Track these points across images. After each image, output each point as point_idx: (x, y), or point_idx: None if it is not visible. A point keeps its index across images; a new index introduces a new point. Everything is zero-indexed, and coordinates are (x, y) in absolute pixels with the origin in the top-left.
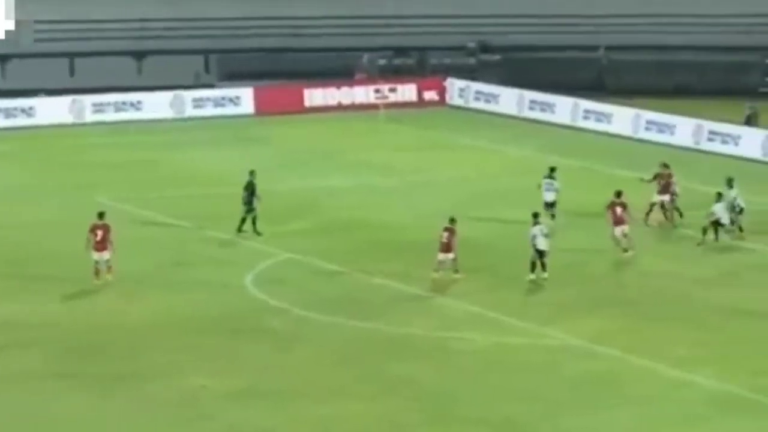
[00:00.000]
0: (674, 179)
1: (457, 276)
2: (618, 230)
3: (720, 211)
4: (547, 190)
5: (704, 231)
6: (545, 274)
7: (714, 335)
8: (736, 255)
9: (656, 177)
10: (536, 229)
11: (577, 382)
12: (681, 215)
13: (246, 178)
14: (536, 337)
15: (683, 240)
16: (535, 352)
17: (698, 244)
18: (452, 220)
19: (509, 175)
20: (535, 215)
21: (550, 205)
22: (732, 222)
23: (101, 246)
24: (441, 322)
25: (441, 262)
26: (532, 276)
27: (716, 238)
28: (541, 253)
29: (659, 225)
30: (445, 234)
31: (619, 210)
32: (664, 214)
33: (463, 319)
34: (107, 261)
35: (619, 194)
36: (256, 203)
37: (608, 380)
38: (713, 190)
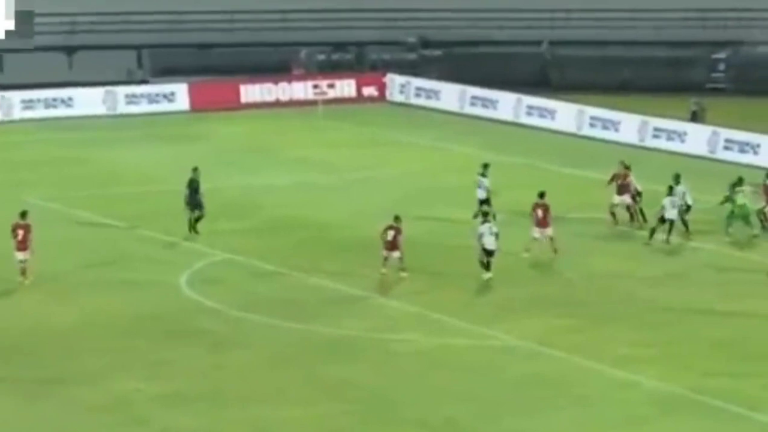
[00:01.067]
0: (631, 178)
1: (403, 275)
2: (537, 232)
3: (668, 205)
4: (479, 187)
5: (652, 232)
6: (489, 274)
7: (659, 335)
8: (683, 254)
9: (614, 178)
10: (484, 228)
11: (521, 384)
12: (645, 219)
13: (188, 176)
14: (479, 338)
15: (632, 239)
16: (478, 354)
17: (645, 244)
18: (397, 218)
19: (450, 173)
20: (485, 213)
21: (481, 203)
22: (682, 219)
23: (22, 246)
24: (381, 322)
25: (386, 259)
26: (486, 276)
27: (667, 240)
28: (488, 253)
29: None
30: (390, 232)
31: (540, 212)
32: (631, 216)
33: (403, 320)
34: (26, 262)
35: (542, 195)
36: (202, 201)
37: (552, 381)
38: (659, 188)
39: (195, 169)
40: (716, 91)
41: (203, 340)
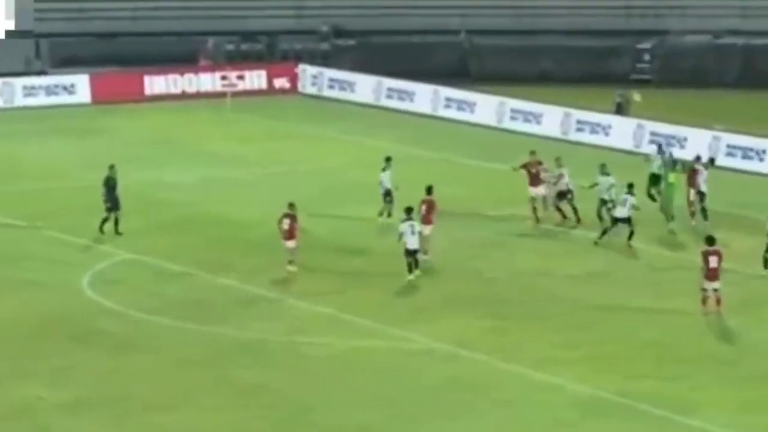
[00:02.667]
0: (545, 166)
1: (291, 269)
2: (425, 229)
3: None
4: (382, 181)
5: (604, 231)
6: (417, 272)
7: (584, 336)
8: (607, 252)
9: (524, 167)
10: (405, 226)
11: (439, 388)
12: (578, 219)
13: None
14: (395, 340)
15: (554, 236)
16: (394, 356)
17: (595, 243)
18: (291, 206)
19: (365, 168)
20: (408, 210)
21: (385, 197)
22: (597, 213)
23: None
24: (293, 325)
25: (290, 251)
26: (411, 276)
27: (600, 237)
28: (410, 253)
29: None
30: (286, 221)
31: (424, 208)
32: (563, 214)
33: (316, 322)
34: None
35: (429, 190)
36: (119, 200)
37: (471, 384)
38: (584, 183)
39: (111, 167)
40: (641, 83)
41: (106, 343)
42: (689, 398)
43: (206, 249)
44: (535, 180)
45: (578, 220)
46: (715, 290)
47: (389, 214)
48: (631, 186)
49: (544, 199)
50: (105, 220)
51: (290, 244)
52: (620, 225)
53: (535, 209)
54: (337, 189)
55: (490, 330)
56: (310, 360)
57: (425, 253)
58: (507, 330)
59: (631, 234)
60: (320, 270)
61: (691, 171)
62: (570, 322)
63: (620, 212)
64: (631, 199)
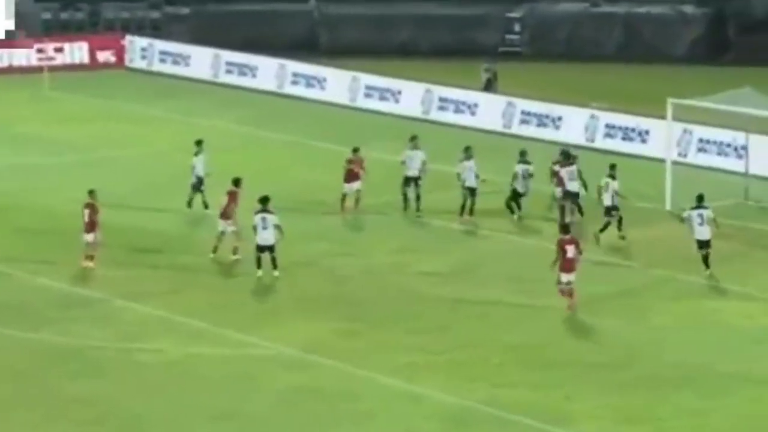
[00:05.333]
0: (364, 163)
1: (88, 264)
2: (222, 225)
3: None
4: (194, 167)
5: (605, 226)
6: (276, 272)
7: (445, 339)
8: (470, 243)
9: (349, 163)
10: (258, 218)
11: (287, 398)
12: (471, 213)
13: None
14: (238, 345)
15: (414, 228)
16: (236, 363)
17: (595, 235)
18: (91, 193)
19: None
20: (263, 200)
21: (194, 188)
22: (463, 205)
23: None
24: (122, 330)
25: (89, 245)
26: (260, 273)
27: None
28: (263, 248)
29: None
30: (86, 211)
31: (226, 200)
32: (417, 207)
33: (148, 326)
34: None
35: (237, 182)
36: None
37: (323, 394)
38: (447, 168)
39: None
40: (511, 55)
41: None
42: (565, 408)
43: (19, 245)
44: (350, 176)
45: (417, 209)
46: (569, 283)
47: (206, 205)
48: (613, 167)
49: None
50: None
51: (88, 237)
52: (613, 213)
53: (343, 204)
54: (170, 177)
55: (343, 333)
56: (141, 368)
57: (234, 253)
58: (362, 333)
59: (619, 222)
60: (150, 267)
61: (551, 171)
62: (430, 324)
63: (607, 200)
64: (614, 185)
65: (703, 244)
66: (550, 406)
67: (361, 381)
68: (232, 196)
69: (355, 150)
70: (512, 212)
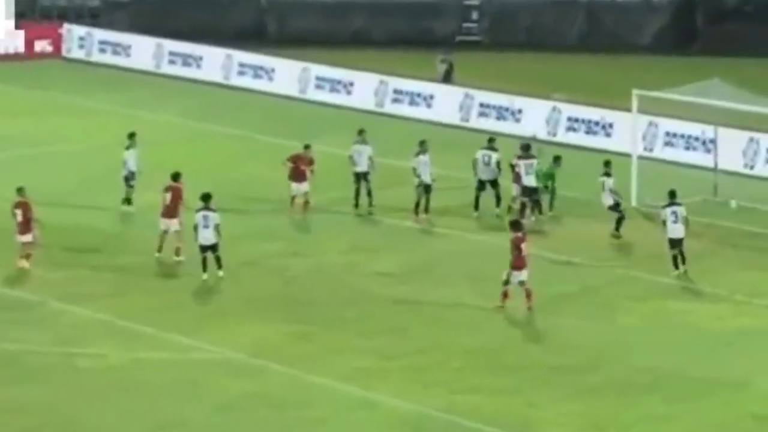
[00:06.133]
0: (314, 162)
1: (24, 264)
2: (164, 223)
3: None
4: (126, 161)
5: (618, 222)
6: (220, 272)
7: (400, 343)
8: (425, 242)
9: (292, 159)
10: (199, 217)
11: (232, 405)
12: (427, 210)
13: None
14: (184, 350)
15: (367, 226)
16: (182, 369)
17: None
18: (20, 191)
19: (145, 147)
20: (205, 198)
21: (127, 179)
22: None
23: None
24: (61, 334)
25: (25, 245)
26: (205, 276)
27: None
28: (205, 248)
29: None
30: (18, 211)
31: (168, 197)
32: (356, 193)
33: (88, 330)
34: None
35: (176, 177)
36: None
37: (270, 401)
38: (401, 163)
39: None
40: (469, 45)
41: None
42: (527, 415)
43: None
44: (298, 175)
45: (369, 205)
46: (522, 283)
47: (129, 202)
48: (607, 164)
49: (356, 191)
50: None
51: (24, 238)
52: (613, 213)
53: (292, 204)
54: (105, 172)
55: (293, 337)
56: (81, 374)
57: (177, 254)
58: (313, 337)
59: (619, 221)
60: (89, 268)
61: (511, 166)
62: (385, 327)
63: (607, 199)
64: (609, 182)
65: (676, 243)
66: (512, 412)
67: (312, 387)
68: (176, 192)
69: (307, 146)
70: (477, 208)
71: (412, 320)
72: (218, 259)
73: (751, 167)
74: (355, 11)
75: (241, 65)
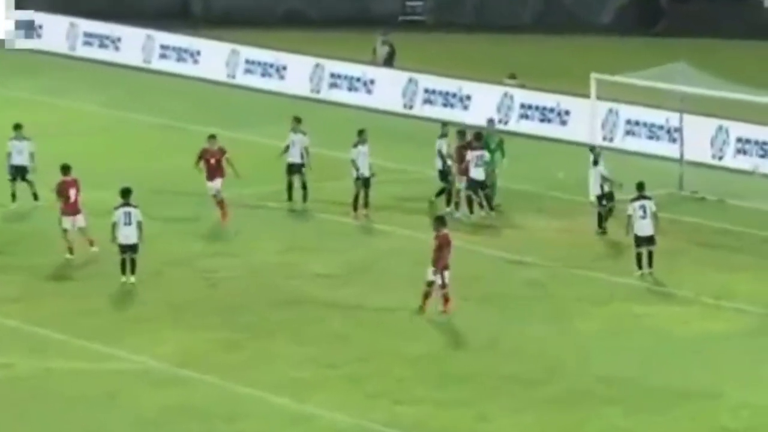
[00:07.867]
0: (227, 155)
1: None
2: (68, 221)
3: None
4: (17, 153)
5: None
6: (132, 278)
7: (339, 351)
8: (365, 240)
9: (202, 156)
10: (120, 214)
11: (153, 419)
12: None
13: None
14: (97, 359)
15: (301, 223)
16: (98, 380)
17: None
18: None
19: (53, 138)
20: (124, 193)
21: (17, 171)
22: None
23: None
24: None
25: None
26: (124, 279)
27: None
28: (125, 248)
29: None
30: None
31: (73, 193)
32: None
33: None
34: None
35: (66, 170)
36: None
37: (196, 414)
38: (339, 154)
39: None
40: (412, 25)
41: None
42: (477, 428)
43: None
44: (213, 172)
45: (304, 200)
46: (444, 285)
47: (14, 197)
48: (593, 149)
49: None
50: None
51: None
52: (604, 203)
53: (215, 197)
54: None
55: (221, 344)
56: None
57: (91, 244)
58: (243, 344)
59: (609, 212)
60: None
61: (457, 149)
62: (323, 334)
63: (595, 189)
64: (598, 170)
65: (644, 241)
66: (460, 426)
67: (243, 399)
68: (72, 186)
69: (211, 137)
70: (448, 204)
71: (351, 326)
72: (133, 262)
73: (720, 158)
74: None
75: (163, 47)
